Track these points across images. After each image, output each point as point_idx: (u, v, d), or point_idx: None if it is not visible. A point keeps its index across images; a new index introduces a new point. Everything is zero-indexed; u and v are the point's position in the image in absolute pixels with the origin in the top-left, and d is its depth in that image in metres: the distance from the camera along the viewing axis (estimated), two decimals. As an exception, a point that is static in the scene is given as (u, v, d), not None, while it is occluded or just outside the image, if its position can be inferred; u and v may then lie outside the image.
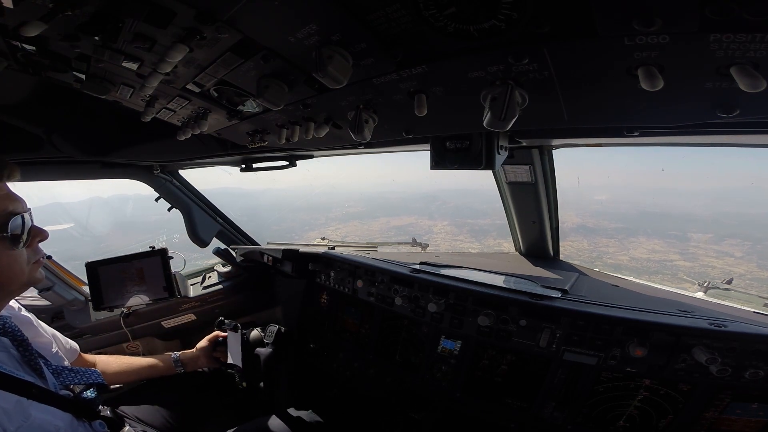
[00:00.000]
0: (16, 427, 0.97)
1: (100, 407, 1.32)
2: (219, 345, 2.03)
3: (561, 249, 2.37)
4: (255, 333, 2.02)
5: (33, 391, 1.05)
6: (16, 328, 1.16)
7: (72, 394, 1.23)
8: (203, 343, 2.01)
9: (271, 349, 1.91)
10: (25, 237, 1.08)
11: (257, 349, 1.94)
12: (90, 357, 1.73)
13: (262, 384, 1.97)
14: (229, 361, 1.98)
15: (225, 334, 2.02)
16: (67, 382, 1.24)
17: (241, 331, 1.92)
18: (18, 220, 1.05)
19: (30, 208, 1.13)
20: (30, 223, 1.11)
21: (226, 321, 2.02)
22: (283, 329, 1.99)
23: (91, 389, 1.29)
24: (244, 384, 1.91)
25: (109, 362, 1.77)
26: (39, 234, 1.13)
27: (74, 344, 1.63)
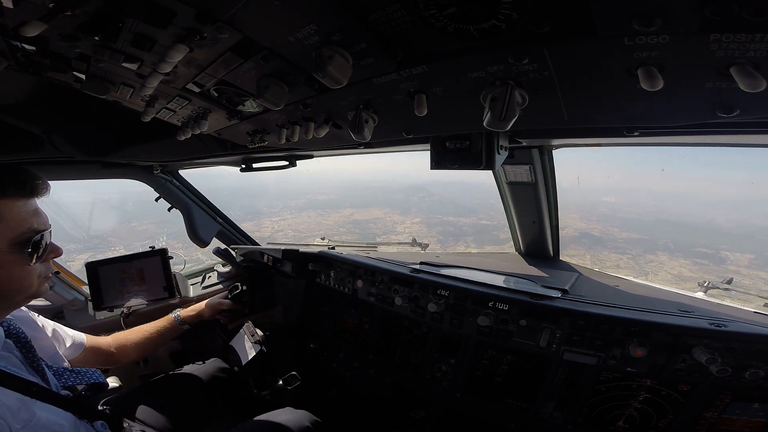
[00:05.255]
0: (22, 426, 0.97)
1: (100, 407, 1.32)
2: (225, 312, 2.17)
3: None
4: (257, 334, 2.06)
5: (34, 390, 1.06)
6: (20, 330, 1.18)
7: (71, 395, 1.24)
8: (216, 300, 2.17)
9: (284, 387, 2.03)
10: (42, 253, 1.11)
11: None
12: (102, 340, 1.77)
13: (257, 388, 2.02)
14: (233, 344, 2.07)
15: (237, 307, 2.17)
16: (69, 383, 1.25)
17: (262, 348, 2.01)
18: (39, 237, 1.09)
19: (51, 224, 1.17)
20: (49, 240, 1.15)
21: (243, 296, 2.17)
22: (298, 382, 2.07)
23: (91, 390, 1.30)
24: (236, 368, 1.97)
25: (127, 337, 1.88)
26: (54, 251, 1.17)
27: (80, 336, 1.64)
